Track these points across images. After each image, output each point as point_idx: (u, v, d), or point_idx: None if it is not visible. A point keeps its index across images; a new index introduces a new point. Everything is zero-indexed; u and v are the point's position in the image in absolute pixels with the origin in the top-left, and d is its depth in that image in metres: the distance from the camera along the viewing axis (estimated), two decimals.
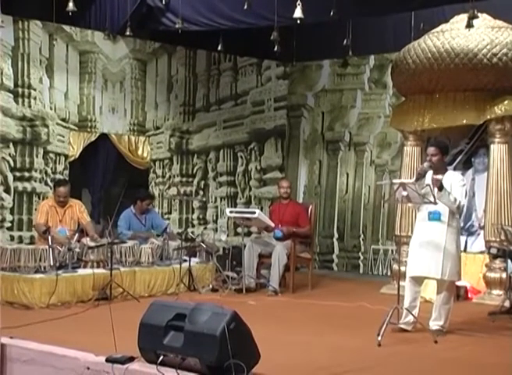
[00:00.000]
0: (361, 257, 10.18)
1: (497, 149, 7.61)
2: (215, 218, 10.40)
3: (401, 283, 5.82)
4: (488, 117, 7.51)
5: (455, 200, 5.63)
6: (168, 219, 9.74)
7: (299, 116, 10.89)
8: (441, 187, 5.56)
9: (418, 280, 5.84)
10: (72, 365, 4.40)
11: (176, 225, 9.85)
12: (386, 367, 4.77)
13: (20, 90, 8.48)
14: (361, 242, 10.22)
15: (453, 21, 7.69)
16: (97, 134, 9.13)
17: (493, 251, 6.99)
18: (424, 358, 5.03)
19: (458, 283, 6.47)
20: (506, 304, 6.56)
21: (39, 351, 4.61)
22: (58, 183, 7.93)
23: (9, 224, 8.46)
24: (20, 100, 8.48)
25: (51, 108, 8.72)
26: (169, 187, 9.92)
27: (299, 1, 6.85)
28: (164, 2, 8.60)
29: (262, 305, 7.15)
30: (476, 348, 5.41)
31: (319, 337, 5.65)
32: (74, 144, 8.92)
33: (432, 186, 5.55)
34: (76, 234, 7.39)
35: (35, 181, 8.64)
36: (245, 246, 8.05)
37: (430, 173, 5.76)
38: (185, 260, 7.78)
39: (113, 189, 9.33)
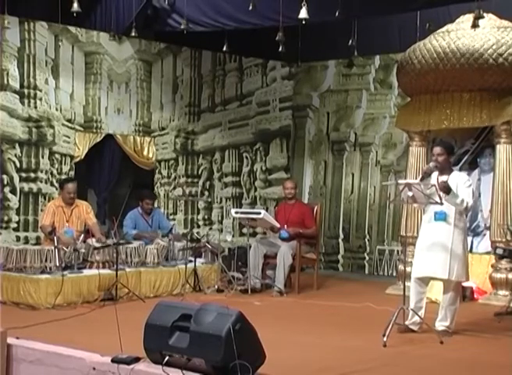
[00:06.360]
0: (367, 257, 10.17)
1: (503, 150, 7.60)
2: (220, 218, 10.40)
3: (407, 283, 5.81)
4: (500, 122, 7.48)
5: (462, 201, 5.61)
6: (174, 219, 9.75)
7: (304, 116, 10.88)
8: (448, 190, 5.55)
9: (424, 281, 5.82)
10: (77, 365, 4.40)
11: (181, 226, 9.86)
12: (392, 367, 4.77)
13: (26, 91, 8.50)
14: (367, 243, 10.20)
15: (459, 21, 7.67)
16: (103, 135, 9.15)
17: (499, 251, 6.97)
18: (430, 358, 5.02)
19: (464, 284, 6.45)
20: None
21: (45, 351, 4.61)
22: (66, 180, 7.97)
23: (15, 225, 8.48)
24: (26, 101, 8.51)
25: (56, 109, 8.74)
26: (175, 188, 9.92)
27: (304, 2, 6.86)
28: (169, 3, 8.62)
29: (267, 306, 7.14)
30: (482, 348, 5.40)
31: (324, 337, 5.65)
32: (80, 145, 8.94)
33: (437, 188, 5.54)
34: (82, 235, 7.41)
35: (41, 182, 8.66)
36: (250, 247, 8.05)
37: (436, 174, 5.76)
38: (190, 261, 7.77)
39: (119, 190, 9.35)
